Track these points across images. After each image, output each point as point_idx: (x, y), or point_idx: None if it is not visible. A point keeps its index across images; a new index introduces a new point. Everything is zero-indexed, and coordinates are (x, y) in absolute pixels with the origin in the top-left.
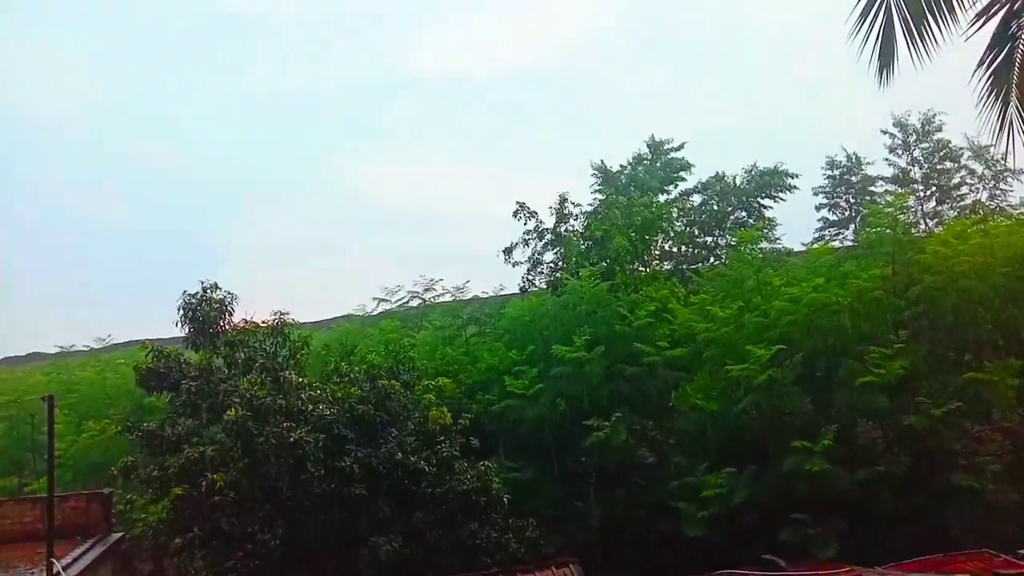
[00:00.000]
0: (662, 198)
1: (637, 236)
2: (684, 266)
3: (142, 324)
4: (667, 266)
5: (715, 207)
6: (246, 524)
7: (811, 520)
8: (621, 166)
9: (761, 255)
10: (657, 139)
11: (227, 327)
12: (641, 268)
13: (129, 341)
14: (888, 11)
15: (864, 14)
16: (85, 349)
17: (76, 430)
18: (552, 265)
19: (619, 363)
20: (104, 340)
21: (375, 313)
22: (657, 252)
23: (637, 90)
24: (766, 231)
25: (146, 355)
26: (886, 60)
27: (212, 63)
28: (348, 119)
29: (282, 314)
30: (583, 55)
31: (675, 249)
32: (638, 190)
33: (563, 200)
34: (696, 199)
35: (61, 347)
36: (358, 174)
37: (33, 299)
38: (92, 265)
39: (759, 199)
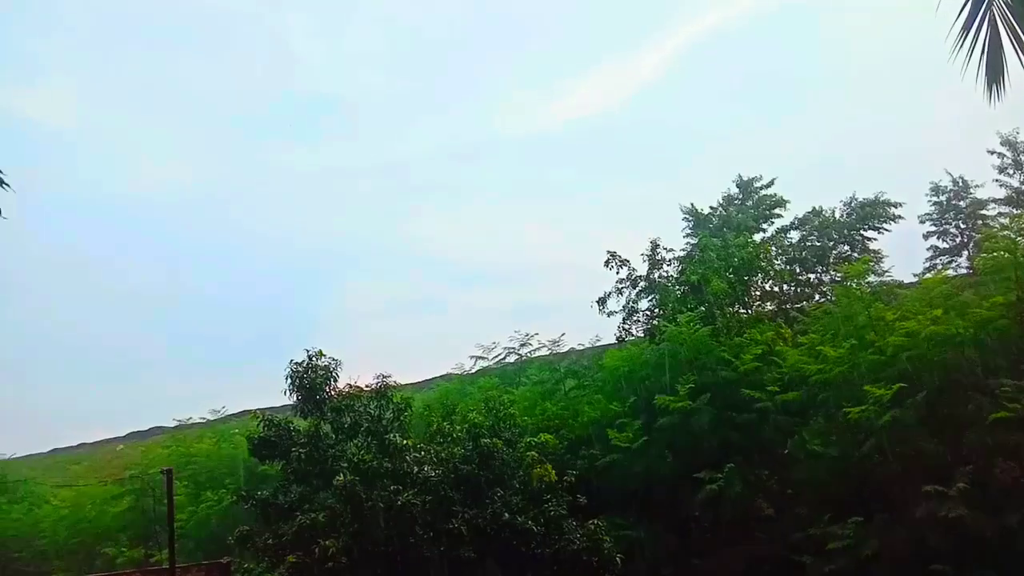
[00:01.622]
0: (758, 237)
1: (735, 278)
2: (788, 305)
3: (253, 394)
4: (770, 307)
5: (815, 242)
6: None
7: (952, 571)
8: (711, 207)
9: (870, 289)
10: (745, 177)
11: (333, 393)
12: (742, 310)
13: (242, 411)
14: (993, 22)
15: (966, 27)
16: (202, 421)
17: (195, 500)
18: (648, 313)
19: (727, 411)
20: (219, 411)
21: (473, 371)
22: (758, 293)
23: (717, 130)
24: (872, 264)
25: (257, 424)
26: (994, 75)
27: (300, 140)
28: (434, 183)
29: (384, 377)
30: (657, 101)
31: (777, 288)
32: (732, 230)
33: (655, 246)
34: (794, 236)
35: (179, 420)
36: (447, 235)
37: (152, 377)
38: (204, 340)
39: (861, 231)
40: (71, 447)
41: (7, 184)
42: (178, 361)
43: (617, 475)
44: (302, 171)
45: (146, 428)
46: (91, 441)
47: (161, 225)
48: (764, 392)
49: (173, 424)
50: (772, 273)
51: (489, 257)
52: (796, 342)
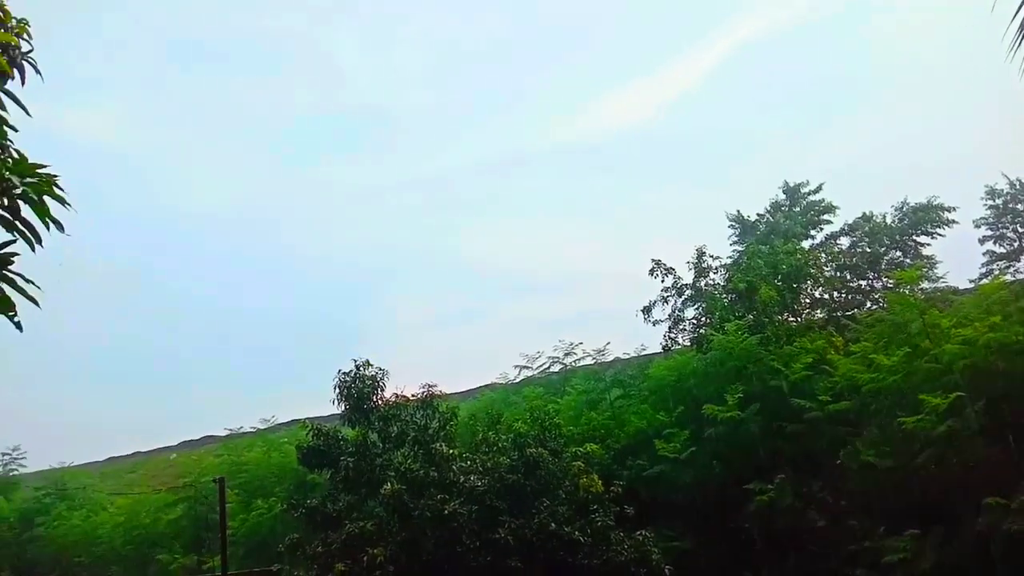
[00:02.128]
0: (807, 244)
1: (784, 285)
2: (839, 313)
3: (302, 404)
4: (820, 314)
5: (866, 248)
6: None
7: None
8: (758, 214)
9: (923, 296)
10: (792, 183)
11: (379, 402)
12: (792, 318)
13: (291, 420)
14: None
15: None
16: (252, 430)
17: (246, 508)
18: (695, 321)
19: (777, 421)
20: (268, 421)
21: (517, 380)
22: (807, 300)
23: (763, 136)
24: (926, 270)
25: (306, 434)
26: None
27: (347, 155)
28: (478, 195)
29: (430, 387)
30: (701, 107)
31: (827, 296)
32: (780, 237)
33: (701, 254)
34: (844, 242)
35: (230, 430)
36: (491, 246)
37: (204, 387)
38: (254, 352)
39: (914, 236)
40: (126, 455)
41: (69, 203)
42: (229, 372)
43: (665, 486)
44: (349, 185)
45: (198, 437)
46: (146, 450)
47: (212, 241)
48: (815, 401)
49: (224, 433)
50: (822, 280)
51: (533, 267)
52: (848, 350)
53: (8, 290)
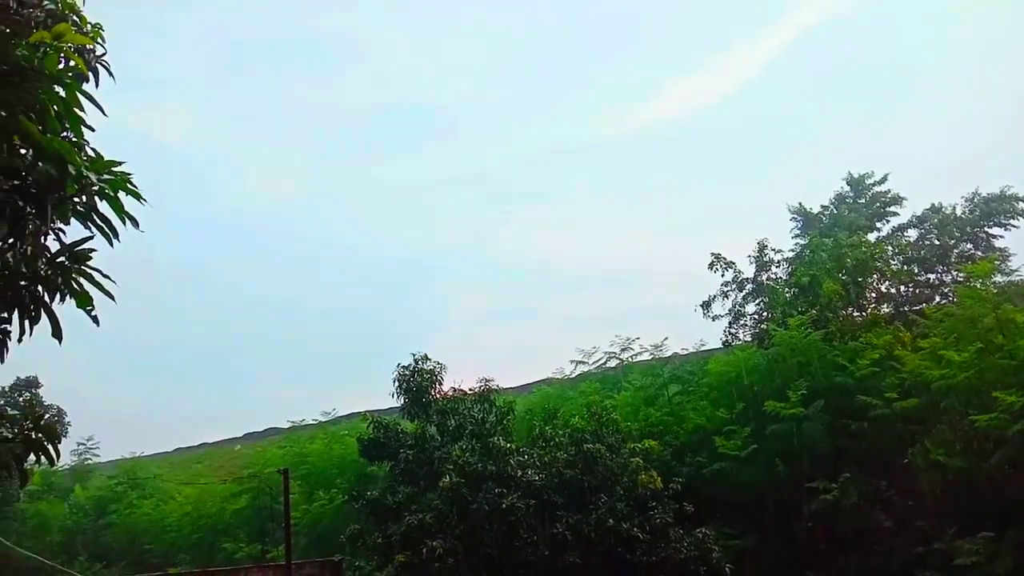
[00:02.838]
0: (872, 236)
1: (849, 279)
2: (906, 308)
3: (361, 397)
4: (886, 309)
5: (935, 241)
6: None
7: None
8: (822, 206)
9: (996, 289)
10: (856, 174)
11: (437, 396)
12: (857, 313)
13: (350, 413)
14: None
15: None
16: (313, 423)
17: (308, 499)
18: (756, 316)
19: (842, 418)
20: (329, 414)
21: (573, 375)
22: (873, 295)
23: (824, 126)
24: (999, 263)
25: (367, 426)
26: None
27: (401, 152)
28: (532, 190)
29: (487, 381)
30: (759, 97)
31: (893, 290)
32: (844, 230)
33: (762, 247)
34: (912, 234)
35: (293, 422)
36: (546, 241)
37: (267, 381)
38: (314, 346)
39: (986, 228)
40: (193, 446)
41: (144, 199)
42: (290, 366)
43: (725, 483)
44: (403, 181)
45: (262, 429)
46: (211, 441)
47: (271, 238)
48: (882, 399)
49: (287, 425)
50: (888, 274)
51: (587, 262)
52: (916, 346)
53: (86, 286)
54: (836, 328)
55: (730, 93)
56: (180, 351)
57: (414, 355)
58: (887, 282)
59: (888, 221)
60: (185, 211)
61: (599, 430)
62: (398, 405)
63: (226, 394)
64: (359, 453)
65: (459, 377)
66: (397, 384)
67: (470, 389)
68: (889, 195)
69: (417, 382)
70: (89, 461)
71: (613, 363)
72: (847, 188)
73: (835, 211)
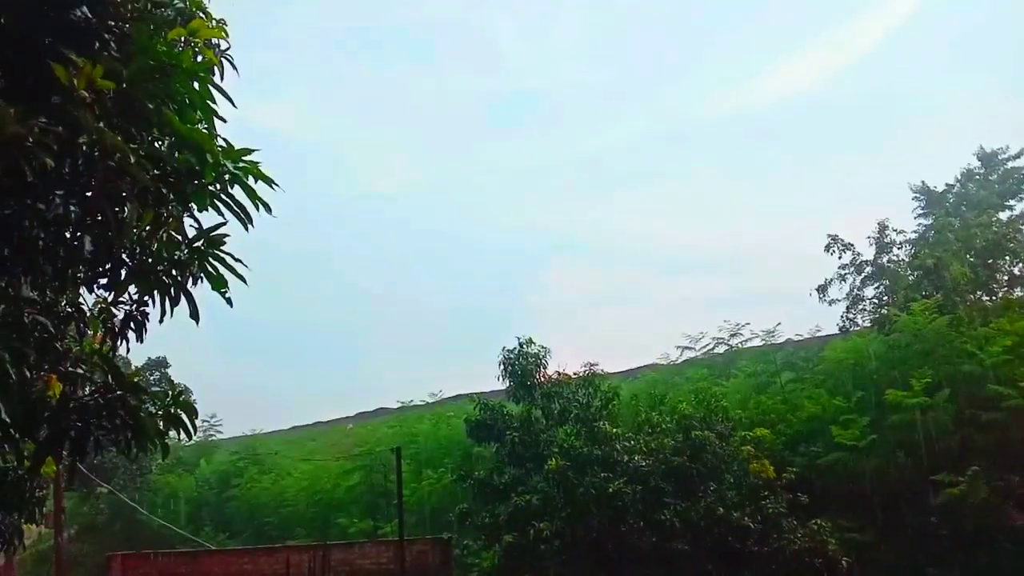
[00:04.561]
0: (1004, 215)
1: (978, 261)
2: None
3: (465, 379)
4: (1020, 293)
5: None
6: (572, 574)
7: None
8: (947, 184)
9: None
10: (988, 149)
11: (542, 379)
12: (986, 297)
13: (457, 395)
14: None
15: None
16: (421, 403)
17: (416, 478)
18: (875, 301)
19: (970, 408)
20: (436, 395)
21: (679, 361)
22: (1005, 278)
23: (951, 98)
24: None
25: (474, 408)
26: None
27: (509, 136)
28: (639, 171)
29: (592, 365)
30: (879, 70)
31: None
32: (972, 209)
33: (883, 228)
34: None
35: (402, 402)
36: (652, 223)
37: (377, 362)
38: (420, 327)
39: None
40: (308, 425)
41: (276, 184)
42: (398, 349)
43: (841, 474)
44: (509, 167)
45: (372, 409)
46: (325, 420)
47: (381, 223)
48: (1015, 388)
49: (396, 405)
50: (1022, 255)
51: (696, 244)
52: None
53: (220, 269)
54: (964, 313)
55: (849, 66)
56: (295, 333)
57: (519, 339)
58: (1021, 264)
59: (1022, 199)
60: (300, 199)
61: (708, 417)
62: (502, 388)
63: (338, 375)
64: (466, 434)
65: (563, 361)
66: (502, 367)
67: (574, 373)
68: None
69: (522, 365)
70: (213, 437)
71: (721, 349)
72: (977, 164)
73: (962, 188)
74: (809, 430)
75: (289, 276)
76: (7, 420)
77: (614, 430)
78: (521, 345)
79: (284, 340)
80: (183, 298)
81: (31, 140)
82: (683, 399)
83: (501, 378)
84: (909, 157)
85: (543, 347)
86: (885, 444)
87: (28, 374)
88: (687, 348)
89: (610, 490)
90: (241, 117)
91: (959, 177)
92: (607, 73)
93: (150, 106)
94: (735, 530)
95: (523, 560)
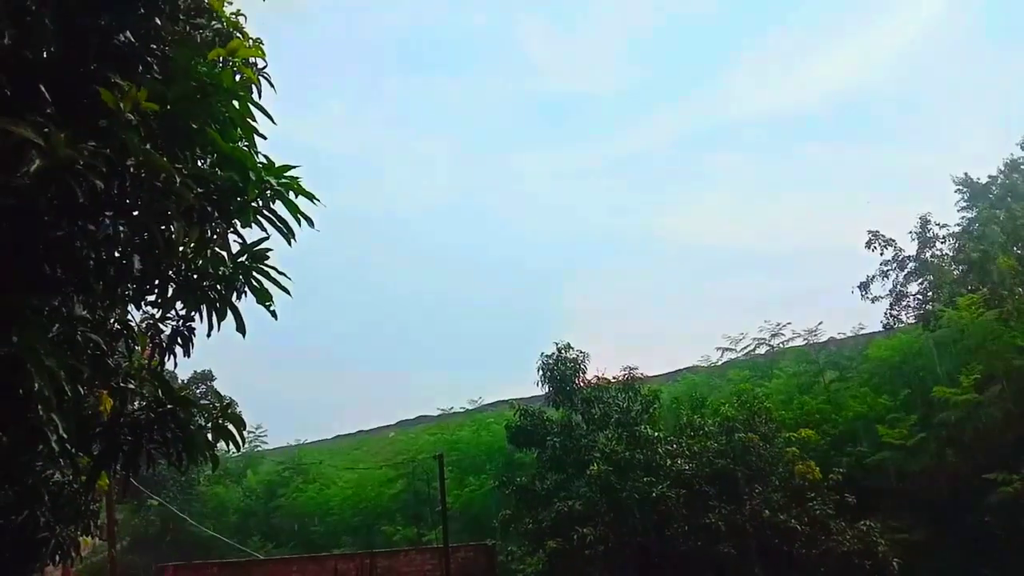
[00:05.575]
0: None
1: None
2: None
3: (504, 385)
4: None
5: None
6: None
7: None
8: (991, 176)
9: None
10: None
11: (581, 384)
12: None
13: (496, 401)
14: None
15: None
16: (461, 411)
17: (459, 485)
18: (919, 296)
19: (1023, 404)
20: (475, 402)
21: (720, 363)
22: None
23: (995, 87)
24: None
25: (514, 414)
26: None
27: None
28: (677, 172)
29: (631, 369)
30: (921, 63)
31: None
32: (1018, 200)
33: (925, 222)
34: None
35: (442, 410)
36: (691, 225)
37: (416, 370)
38: (459, 335)
39: None
40: (351, 434)
41: (318, 199)
42: (438, 357)
43: (889, 474)
44: (549, 172)
45: (413, 417)
46: (367, 428)
47: (418, 233)
48: None
49: (436, 413)
50: None
51: (735, 244)
52: None
53: (265, 283)
54: (1013, 307)
55: (890, 60)
56: (336, 344)
57: (557, 344)
58: None
59: None
60: (338, 211)
61: (751, 419)
62: (541, 393)
63: (378, 384)
64: (506, 440)
65: (603, 365)
66: (541, 373)
67: (614, 377)
68: None
69: (561, 371)
70: (259, 448)
71: (762, 349)
72: (1021, 154)
73: (1007, 180)
74: (855, 430)
75: (329, 287)
76: (64, 436)
77: (656, 434)
78: (559, 350)
79: (325, 351)
80: (229, 312)
81: (81, 163)
82: (725, 401)
83: (540, 384)
84: (950, 149)
85: (581, 352)
86: (934, 442)
87: (81, 390)
88: (728, 349)
89: (653, 494)
90: (279, 132)
91: (1003, 168)
92: (642, 74)
93: (193, 126)
94: (782, 532)
95: (568, 565)
